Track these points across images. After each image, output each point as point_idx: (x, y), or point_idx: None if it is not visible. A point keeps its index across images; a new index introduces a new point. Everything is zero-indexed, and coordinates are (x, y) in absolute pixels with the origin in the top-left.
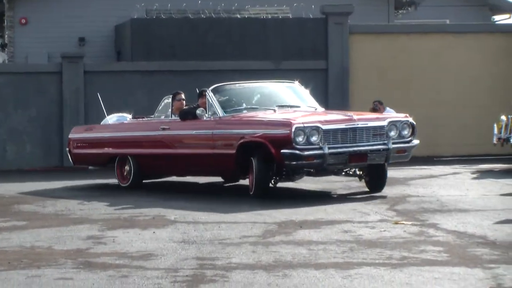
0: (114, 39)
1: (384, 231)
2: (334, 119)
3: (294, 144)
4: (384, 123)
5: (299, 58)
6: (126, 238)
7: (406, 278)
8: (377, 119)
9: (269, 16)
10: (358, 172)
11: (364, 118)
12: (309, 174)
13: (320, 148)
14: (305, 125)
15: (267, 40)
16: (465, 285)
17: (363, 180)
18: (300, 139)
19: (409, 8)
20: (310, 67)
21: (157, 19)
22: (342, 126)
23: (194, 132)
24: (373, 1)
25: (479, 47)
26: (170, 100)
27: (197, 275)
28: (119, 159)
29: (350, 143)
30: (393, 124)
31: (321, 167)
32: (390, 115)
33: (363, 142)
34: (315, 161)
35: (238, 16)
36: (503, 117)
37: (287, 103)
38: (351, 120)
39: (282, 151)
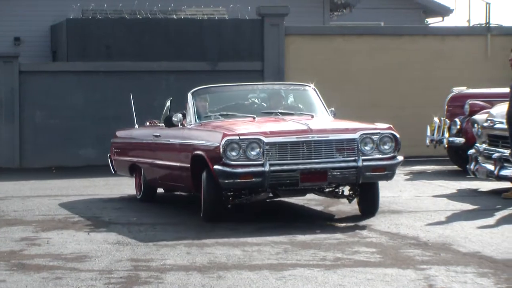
0: (50, 39)
1: (319, 232)
2: (283, 130)
3: (225, 159)
4: (355, 135)
5: (236, 59)
6: (61, 239)
7: (339, 280)
8: (345, 130)
9: (206, 17)
10: (348, 192)
11: (325, 130)
12: (275, 194)
13: (260, 165)
14: (242, 137)
15: (203, 41)
16: (398, 286)
17: (354, 201)
18: (233, 153)
19: (344, 10)
20: (246, 68)
21: (93, 19)
22: (292, 138)
23: (170, 141)
24: (308, 3)
25: (413, 49)
26: (169, 103)
27: (131, 277)
28: (135, 167)
29: (303, 159)
30: (367, 137)
31: (262, 188)
32: (366, 126)
33: (321, 158)
34: (253, 179)
35: (175, 17)
36: (436, 119)
37: (276, 109)
38: (305, 131)
39: (214, 167)
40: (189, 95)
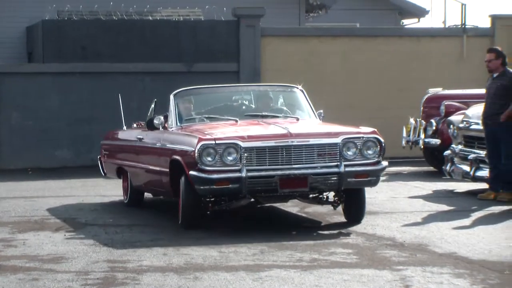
0: (25, 41)
1: (295, 234)
2: (262, 134)
3: (200, 164)
4: (337, 140)
5: (211, 60)
6: (37, 241)
7: (316, 281)
8: (327, 135)
9: (181, 18)
10: (333, 198)
11: (305, 134)
12: (256, 201)
13: (237, 171)
14: (218, 141)
15: (179, 42)
16: (374, 286)
17: (339, 207)
18: (209, 159)
19: (320, 12)
20: (222, 69)
21: (68, 21)
22: (271, 143)
23: (151, 144)
24: (284, 4)
25: (389, 50)
26: (153, 105)
27: (108, 278)
28: (122, 171)
29: (282, 165)
30: (350, 141)
31: (239, 194)
32: (349, 130)
33: (301, 164)
34: (230, 186)
35: (150, 18)
36: (412, 120)
37: (262, 111)
38: (284, 136)
39: (189, 172)
40: (171, 97)
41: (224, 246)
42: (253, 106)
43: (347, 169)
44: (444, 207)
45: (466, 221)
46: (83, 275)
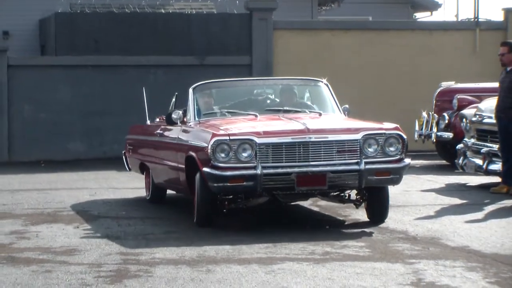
0: (38, 33)
1: (308, 227)
2: (278, 130)
3: (214, 161)
4: (357, 136)
5: (224, 53)
6: (50, 233)
7: (328, 273)
8: (347, 131)
9: (194, 11)
10: (356, 197)
11: (323, 130)
12: (275, 198)
13: (252, 168)
14: (232, 137)
15: (191, 35)
16: (386, 280)
17: (362, 207)
18: (222, 155)
19: (332, 5)
20: (234, 62)
21: (81, 13)
22: (288, 139)
23: (169, 140)
24: None
25: (401, 44)
26: (174, 99)
27: (121, 270)
28: (144, 166)
29: (299, 162)
30: (371, 137)
31: (254, 192)
32: (370, 126)
33: (320, 161)
34: (244, 183)
35: (163, 11)
36: (424, 114)
37: (284, 106)
38: (302, 132)
39: (203, 169)
40: (190, 90)
41: (237, 239)
42: (276, 100)
43: (368, 166)
44: (456, 201)
45: (479, 215)
46: (96, 267)
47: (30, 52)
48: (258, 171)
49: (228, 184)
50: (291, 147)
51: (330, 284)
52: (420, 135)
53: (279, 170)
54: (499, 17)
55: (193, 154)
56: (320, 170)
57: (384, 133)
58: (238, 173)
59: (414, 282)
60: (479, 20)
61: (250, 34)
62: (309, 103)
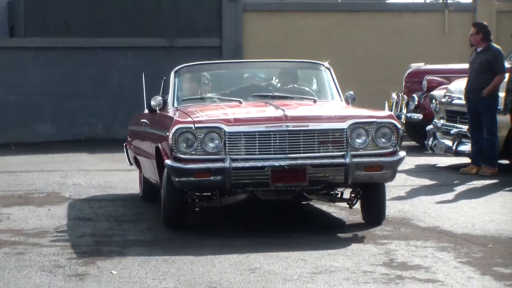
0: (7, 15)
1: (279, 209)
2: (252, 117)
3: (176, 152)
4: (343, 125)
5: (194, 35)
6: (21, 215)
7: (300, 255)
8: (331, 119)
9: None
10: (350, 195)
11: (304, 117)
12: (254, 196)
13: (220, 160)
14: (197, 125)
15: (161, 17)
16: (359, 260)
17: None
18: (185, 145)
19: None
20: (204, 44)
21: None
22: (261, 128)
23: (148, 129)
24: None
25: (371, 25)
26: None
27: (93, 252)
28: (137, 160)
29: (275, 154)
30: (359, 127)
31: (223, 187)
32: (359, 113)
33: (299, 153)
34: (211, 178)
35: None
36: (394, 95)
37: (274, 91)
38: (278, 119)
39: (165, 162)
40: (172, 74)
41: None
42: (271, 84)
43: (355, 160)
44: (426, 182)
45: (449, 196)
46: (69, 249)
47: None
48: (226, 164)
49: (192, 178)
50: (265, 136)
51: (302, 265)
52: None
53: (251, 164)
54: None
55: (160, 144)
56: (299, 164)
57: (375, 122)
58: (204, 166)
59: (386, 262)
60: (448, 1)
61: (220, 16)
62: (307, 88)
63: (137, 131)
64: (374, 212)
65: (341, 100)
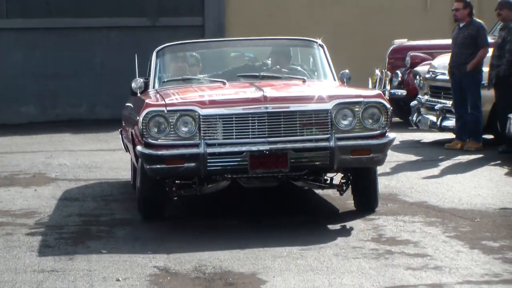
0: None
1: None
2: (228, 99)
3: (148, 138)
4: (327, 105)
5: (176, 14)
6: (8, 196)
7: (290, 233)
8: (314, 99)
9: None
10: (340, 181)
11: (284, 98)
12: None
13: (194, 146)
14: (170, 108)
15: None
16: (347, 236)
17: (347, 193)
18: (156, 130)
19: None
20: (187, 23)
21: None
22: (238, 110)
23: (127, 113)
24: None
25: (353, 3)
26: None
27: (82, 231)
28: (127, 146)
29: (254, 138)
30: (345, 107)
31: (198, 175)
32: (344, 93)
33: (279, 137)
34: (185, 165)
35: None
36: (377, 72)
37: (260, 71)
38: (257, 100)
39: (136, 148)
40: (154, 54)
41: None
42: (260, 64)
43: (341, 143)
44: (412, 157)
45: (435, 171)
46: (57, 229)
47: None
48: (201, 150)
49: (165, 166)
50: (243, 119)
51: (292, 242)
52: None
53: (228, 149)
54: None
55: (133, 130)
56: (280, 148)
57: (362, 102)
58: (177, 152)
59: (375, 238)
60: None
61: None
62: (299, 67)
63: (124, 116)
64: (365, 199)
65: (334, 80)
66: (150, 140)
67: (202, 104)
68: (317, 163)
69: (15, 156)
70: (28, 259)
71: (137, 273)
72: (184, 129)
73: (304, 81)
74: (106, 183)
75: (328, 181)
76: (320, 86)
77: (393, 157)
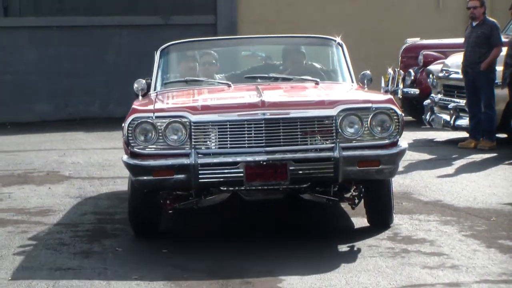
0: None
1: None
2: (223, 104)
3: (135, 146)
4: (331, 111)
5: (188, 13)
6: (22, 194)
7: (303, 233)
8: (318, 104)
9: None
10: (352, 194)
11: (283, 103)
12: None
13: (185, 155)
14: (158, 114)
15: None
16: (363, 235)
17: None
18: (142, 138)
19: None
20: (199, 21)
21: None
22: (233, 116)
23: None
24: None
25: (365, 0)
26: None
27: (97, 230)
28: None
29: (250, 147)
30: (352, 113)
31: (188, 187)
32: (352, 97)
33: (279, 146)
34: (175, 176)
35: None
36: (390, 70)
37: (272, 71)
38: (254, 106)
39: (122, 158)
40: (157, 53)
41: None
42: (273, 64)
43: (347, 153)
44: (425, 156)
45: (449, 170)
46: (72, 227)
47: None
48: (192, 160)
49: (152, 177)
50: (238, 127)
51: (306, 242)
52: (386, 91)
53: (222, 159)
54: None
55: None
56: (279, 158)
57: (371, 107)
58: (165, 162)
59: (390, 236)
60: None
61: None
62: (317, 67)
63: None
64: (380, 214)
65: (352, 82)
66: (136, 149)
67: (193, 109)
68: (320, 175)
69: (29, 154)
70: (44, 257)
71: (153, 271)
72: (174, 137)
73: (317, 83)
74: (120, 181)
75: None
76: (332, 89)
77: (406, 156)
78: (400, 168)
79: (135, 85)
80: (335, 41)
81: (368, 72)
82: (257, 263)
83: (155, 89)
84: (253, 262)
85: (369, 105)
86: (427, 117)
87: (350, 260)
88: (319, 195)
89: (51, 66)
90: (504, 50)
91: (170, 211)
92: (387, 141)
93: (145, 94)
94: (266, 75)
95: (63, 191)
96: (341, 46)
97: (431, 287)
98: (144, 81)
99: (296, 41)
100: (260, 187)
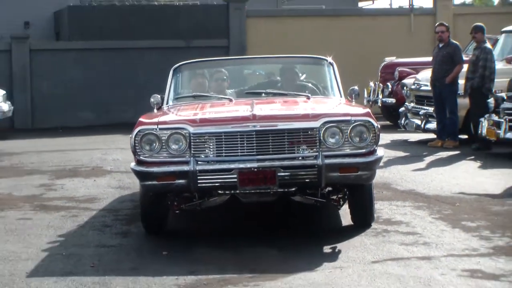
0: (53, 23)
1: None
2: (218, 117)
3: (141, 155)
4: (315, 124)
5: (206, 37)
6: (72, 185)
7: (292, 219)
8: (303, 117)
9: (181, 3)
10: (337, 196)
11: (272, 117)
12: (233, 197)
13: (184, 163)
14: (161, 126)
15: (179, 23)
16: (349, 218)
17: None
18: (147, 147)
19: None
20: (215, 44)
21: (89, 6)
22: (227, 128)
23: None
24: None
25: (350, 27)
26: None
27: (134, 214)
28: None
29: (243, 156)
30: (333, 126)
31: (188, 191)
32: (333, 111)
33: (268, 154)
34: (176, 182)
35: (156, 3)
36: (372, 84)
37: (270, 87)
38: (245, 119)
39: (130, 165)
40: (171, 71)
41: None
42: (273, 81)
43: (328, 161)
44: (401, 153)
45: (420, 164)
46: (114, 212)
47: (47, 38)
48: (191, 167)
49: (157, 182)
50: (232, 137)
51: (296, 226)
52: (368, 101)
53: (218, 166)
54: (429, 4)
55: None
56: (268, 166)
57: (351, 120)
58: (167, 169)
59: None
60: (414, 6)
61: (227, 21)
62: (310, 84)
63: None
64: (361, 214)
65: (341, 96)
66: (142, 158)
67: (193, 122)
68: (305, 180)
69: (77, 153)
70: (91, 236)
71: (180, 246)
72: (175, 146)
73: (308, 97)
74: None
75: (325, 195)
76: (320, 103)
77: (385, 153)
78: (380, 164)
79: (151, 100)
80: (326, 60)
81: (356, 87)
82: (257, 262)
83: (167, 103)
84: (253, 261)
85: (349, 118)
86: (402, 121)
87: (339, 238)
88: (309, 197)
89: (94, 81)
90: (465, 67)
91: (177, 211)
92: (364, 150)
93: (160, 108)
94: (264, 91)
95: (106, 183)
96: (332, 64)
97: (407, 260)
98: (159, 96)
99: (293, 61)
100: (252, 191)
